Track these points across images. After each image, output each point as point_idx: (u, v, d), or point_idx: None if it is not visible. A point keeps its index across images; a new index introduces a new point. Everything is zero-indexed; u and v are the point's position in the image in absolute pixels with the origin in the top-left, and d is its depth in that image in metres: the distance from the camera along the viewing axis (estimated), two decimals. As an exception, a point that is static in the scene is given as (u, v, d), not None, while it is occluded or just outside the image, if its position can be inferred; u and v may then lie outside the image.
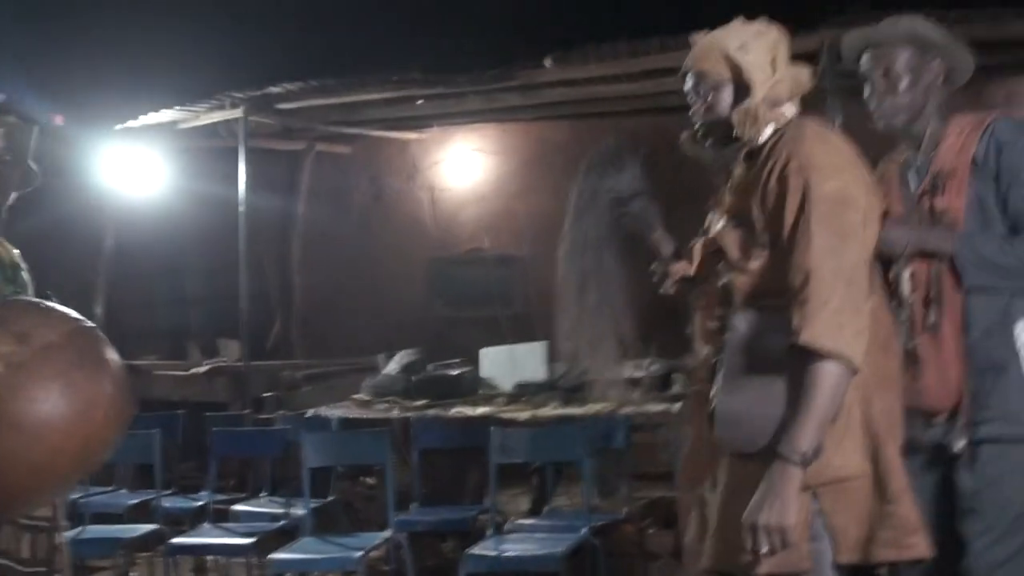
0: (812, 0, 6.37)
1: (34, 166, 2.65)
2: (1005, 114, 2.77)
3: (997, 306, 2.62)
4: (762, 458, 2.13)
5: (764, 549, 2.07)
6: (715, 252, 2.34)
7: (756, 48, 2.29)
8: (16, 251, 2.70)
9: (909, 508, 2.19)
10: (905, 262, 2.69)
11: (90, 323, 2.46)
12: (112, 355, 2.43)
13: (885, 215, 2.81)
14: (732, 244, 2.27)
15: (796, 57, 2.50)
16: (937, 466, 2.68)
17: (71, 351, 2.34)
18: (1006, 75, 7.13)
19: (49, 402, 2.26)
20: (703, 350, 2.38)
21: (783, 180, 2.15)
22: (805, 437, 2.04)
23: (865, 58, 2.78)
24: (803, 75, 2.36)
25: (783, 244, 2.15)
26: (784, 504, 2.04)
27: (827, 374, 2.05)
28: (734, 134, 2.28)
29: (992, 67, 6.77)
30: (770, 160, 2.21)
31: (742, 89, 2.27)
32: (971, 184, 2.64)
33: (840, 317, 2.06)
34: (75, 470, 2.43)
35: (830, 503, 2.15)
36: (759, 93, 2.26)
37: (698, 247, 2.43)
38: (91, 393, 2.33)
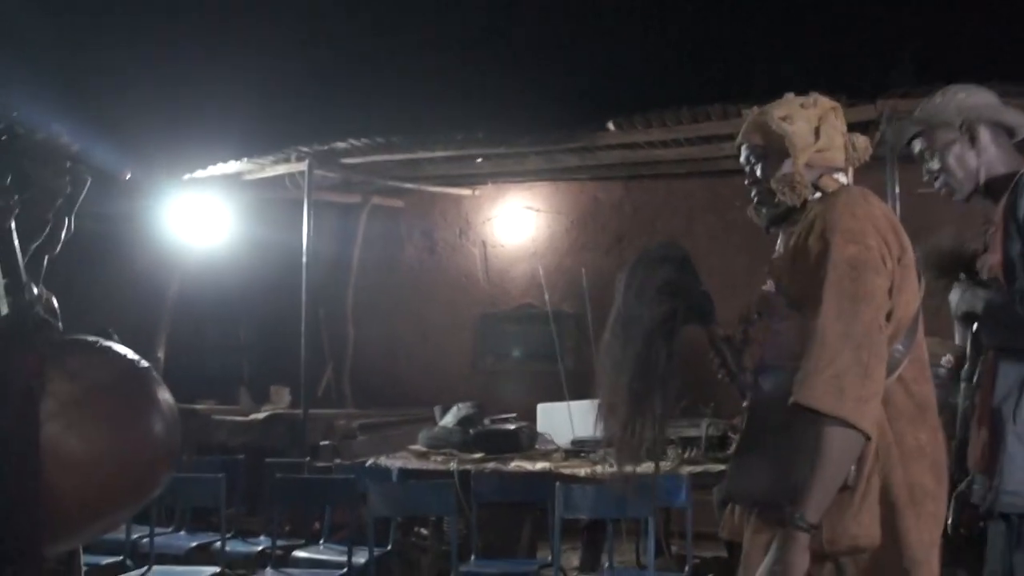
0: (871, 72, 6.46)
1: (72, 220, 2.67)
2: None
3: (1018, 369, 2.57)
4: (767, 512, 2.18)
5: None
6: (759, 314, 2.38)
7: (800, 117, 2.32)
8: (53, 298, 2.72)
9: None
10: (962, 323, 2.73)
11: (145, 363, 2.46)
12: (165, 396, 2.44)
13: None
14: (766, 306, 2.32)
15: (855, 126, 2.51)
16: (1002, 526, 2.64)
17: (121, 391, 2.36)
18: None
19: (98, 440, 2.26)
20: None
21: (810, 245, 2.17)
22: (811, 504, 2.04)
23: (916, 143, 2.85)
24: (859, 143, 2.38)
25: (806, 307, 2.15)
26: (786, 568, 2.04)
27: (831, 438, 2.02)
28: (776, 200, 2.33)
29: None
30: (805, 226, 2.24)
31: (782, 156, 2.32)
32: (1005, 239, 2.61)
33: (841, 381, 2.01)
34: (123, 507, 2.44)
35: (853, 571, 2.15)
36: (799, 160, 2.29)
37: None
38: (140, 433, 2.35)
